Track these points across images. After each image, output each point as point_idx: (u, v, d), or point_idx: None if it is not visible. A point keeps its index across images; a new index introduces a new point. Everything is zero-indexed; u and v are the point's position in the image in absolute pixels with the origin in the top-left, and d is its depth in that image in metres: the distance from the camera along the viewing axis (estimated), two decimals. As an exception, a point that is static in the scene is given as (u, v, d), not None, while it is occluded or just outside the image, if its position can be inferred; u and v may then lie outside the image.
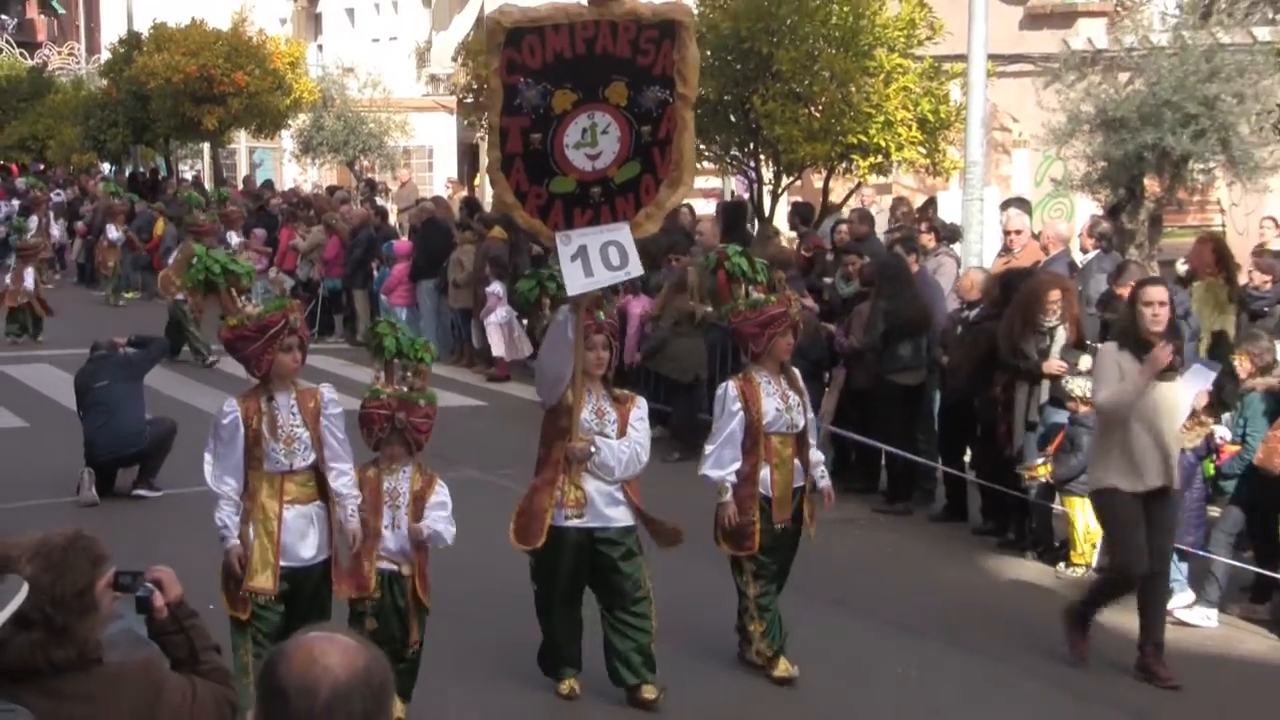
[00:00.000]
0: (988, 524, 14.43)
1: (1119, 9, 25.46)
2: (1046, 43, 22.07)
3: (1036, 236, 17.43)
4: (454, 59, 31.76)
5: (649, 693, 9.70)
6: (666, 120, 9.20)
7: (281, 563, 8.76)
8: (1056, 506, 13.31)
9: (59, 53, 66.29)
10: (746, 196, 25.11)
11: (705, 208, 27.97)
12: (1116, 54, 17.77)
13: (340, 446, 8.95)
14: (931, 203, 22.13)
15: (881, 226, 20.55)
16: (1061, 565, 13.27)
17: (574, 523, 9.50)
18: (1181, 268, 15.32)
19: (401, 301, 24.40)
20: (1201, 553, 12.03)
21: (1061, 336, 13.42)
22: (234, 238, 22.86)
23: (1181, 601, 12.12)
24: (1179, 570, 12.20)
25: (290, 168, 43.87)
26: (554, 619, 9.80)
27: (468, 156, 44.20)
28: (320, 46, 51.96)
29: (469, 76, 28.48)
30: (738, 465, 10.16)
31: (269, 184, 39.19)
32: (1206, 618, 11.97)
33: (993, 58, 19.30)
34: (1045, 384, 13.49)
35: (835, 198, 23.43)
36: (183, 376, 21.25)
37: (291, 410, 8.84)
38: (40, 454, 16.61)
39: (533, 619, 9.93)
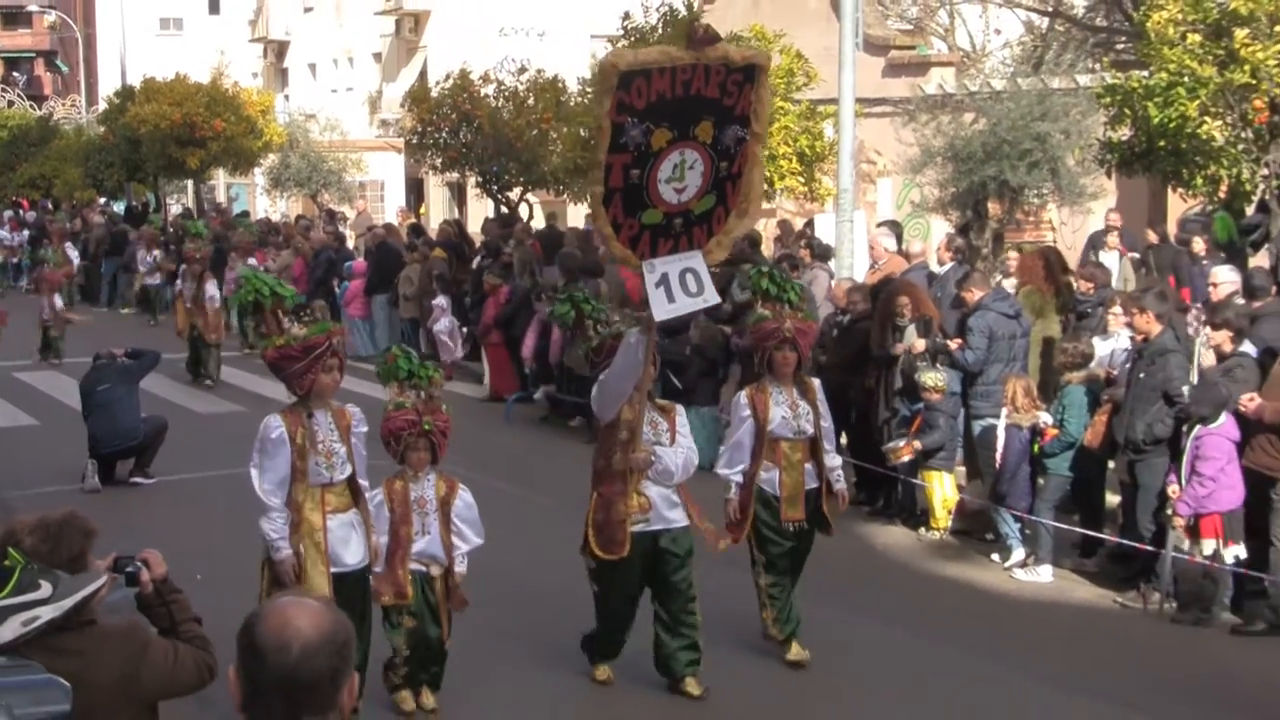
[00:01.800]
0: (860, 496, 14.50)
1: (965, 59, 25.67)
2: (904, 88, 22.21)
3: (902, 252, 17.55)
4: (401, 106, 31.61)
5: (694, 688, 9.20)
6: (741, 156, 8.52)
7: (331, 569, 8.27)
8: (918, 481, 13.41)
9: (63, 104, 65.40)
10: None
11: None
12: (963, 97, 17.93)
13: (362, 464, 8.53)
14: (810, 224, 22.21)
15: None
16: (923, 530, 13.40)
17: (639, 527, 8.95)
18: (1009, 282, 15.42)
19: (358, 313, 24.28)
20: (1032, 517, 12.16)
21: (913, 332, 13.60)
22: (255, 264, 22.10)
23: (1016, 558, 12.29)
24: (1012, 529, 12.36)
25: (262, 200, 43.47)
26: (615, 619, 9.26)
27: (414, 189, 44.12)
28: (287, 96, 51.60)
29: (414, 121, 28.34)
30: (744, 466, 9.77)
31: (245, 214, 39.00)
32: (1041, 573, 12.09)
33: (859, 101, 19.38)
34: (897, 371, 13.72)
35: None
36: (174, 382, 20.98)
37: (330, 427, 8.35)
38: (50, 448, 16.44)
39: (521, 600, 9.59)
